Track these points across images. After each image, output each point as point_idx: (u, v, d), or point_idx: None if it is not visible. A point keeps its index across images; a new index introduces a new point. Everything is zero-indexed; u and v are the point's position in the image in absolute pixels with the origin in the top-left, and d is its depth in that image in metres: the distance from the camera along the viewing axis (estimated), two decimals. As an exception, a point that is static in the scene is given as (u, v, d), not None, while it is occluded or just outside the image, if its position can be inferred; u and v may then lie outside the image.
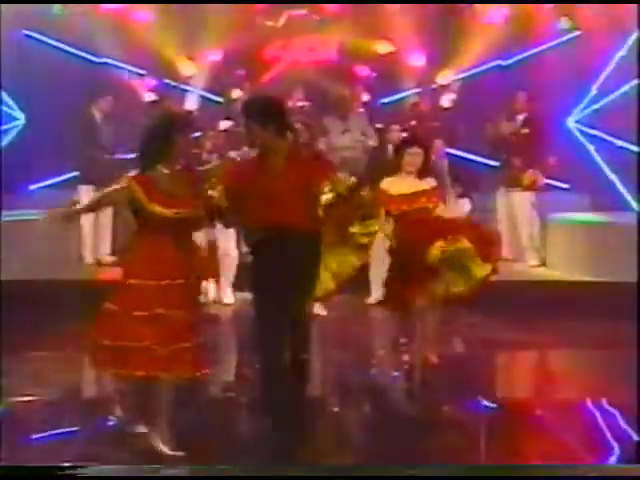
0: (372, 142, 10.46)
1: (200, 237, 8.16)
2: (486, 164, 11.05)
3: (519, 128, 9.90)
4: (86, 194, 10.15)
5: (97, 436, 5.37)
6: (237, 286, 8.94)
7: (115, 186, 4.93)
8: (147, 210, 4.80)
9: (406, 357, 6.82)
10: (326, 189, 5.22)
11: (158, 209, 4.80)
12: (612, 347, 7.24)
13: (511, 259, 10.07)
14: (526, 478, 4.51)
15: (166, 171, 4.87)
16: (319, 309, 8.16)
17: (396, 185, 6.64)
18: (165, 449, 4.81)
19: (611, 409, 5.83)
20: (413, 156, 6.64)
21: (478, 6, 12.11)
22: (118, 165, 9.81)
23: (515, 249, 10.11)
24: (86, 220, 10.15)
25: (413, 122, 10.67)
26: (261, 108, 5.24)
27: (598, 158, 11.39)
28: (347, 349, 7.64)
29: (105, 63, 11.82)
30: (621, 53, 11.10)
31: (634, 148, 10.78)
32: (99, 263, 10.06)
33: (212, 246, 6.88)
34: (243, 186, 5.19)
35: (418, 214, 6.55)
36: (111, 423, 5.71)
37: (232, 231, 8.39)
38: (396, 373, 6.88)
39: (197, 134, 10.51)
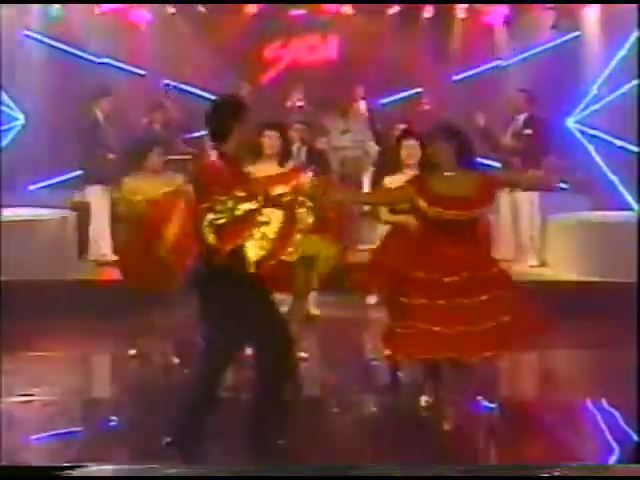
0: (371, 145, 10.45)
1: None
2: (486, 164, 11.04)
3: (521, 129, 9.89)
4: (94, 194, 10.16)
5: (97, 436, 5.38)
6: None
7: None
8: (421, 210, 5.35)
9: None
10: None
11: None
12: (612, 347, 7.24)
13: (511, 259, 10.08)
14: (526, 478, 4.51)
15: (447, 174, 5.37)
16: (312, 309, 8.15)
17: (399, 182, 6.59)
18: None
19: (611, 409, 5.83)
20: (410, 149, 6.58)
21: (478, 6, 12.13)
22: (122, 164, 9.84)
23: (515, 249, 10.12)
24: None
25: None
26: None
27: (598, 158, 11.38)
28: (345, 349, 7.63)
29: (105, 63, 11.83)
30: (621, 53, 11.10)
31: (634, 148, 10.77)
32: (99, 263, 10.06)
33: None
34: None
35: None
36: (112, 423, 5.72)
37: None
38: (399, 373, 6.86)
39: (197, 134, 10.59)
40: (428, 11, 12.15)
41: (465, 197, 5.34)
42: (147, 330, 7.26)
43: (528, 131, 9.82)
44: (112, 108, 10.32)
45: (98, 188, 10.08)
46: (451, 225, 5.32)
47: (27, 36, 11.62)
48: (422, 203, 5.34)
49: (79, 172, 10.49)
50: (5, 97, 11.22)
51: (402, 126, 9.84)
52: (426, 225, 5.45)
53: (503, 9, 12.01)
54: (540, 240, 9.98)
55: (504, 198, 10.14)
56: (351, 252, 7.21)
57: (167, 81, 11.77)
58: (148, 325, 7.27)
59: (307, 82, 11.50)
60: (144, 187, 7.06)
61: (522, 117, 9.95)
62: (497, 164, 10.43)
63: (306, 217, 5.07)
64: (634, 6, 10.28)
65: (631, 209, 10.65)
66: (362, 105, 11.25)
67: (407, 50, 12.04)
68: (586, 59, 11.30)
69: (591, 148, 11.47)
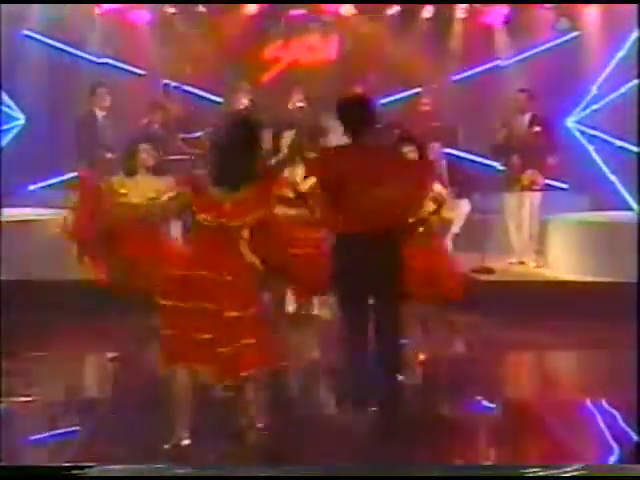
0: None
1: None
2: (486, 164, 11.05)
3: (530, 127, 9.91)
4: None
5: (97, 436, 5.38)
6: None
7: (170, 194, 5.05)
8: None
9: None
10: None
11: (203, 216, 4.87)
12: (612, 347, 7.24)
13: (512, 259, 10.07)
14: (526, 478, 4.51)
15: None
16: (320, 310, 8.14)
17: None
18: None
19: (611, 409, 5.83)
20: (407, 154, 6.59)
21: (478, 6, 12.13)
22: (118, 164, 9.83)
23: (516, 249, 10.12)
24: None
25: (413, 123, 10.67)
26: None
27: (598, 158, 11.39)
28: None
29: (105, 63, 11.83)
30: (621, 53, 11.11)
31: (634, 148, 10.78)
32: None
33: None
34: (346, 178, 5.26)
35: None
36: (112, 423, 5.72)
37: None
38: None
39: (197, 134, 10.59)
40: (428, 11, 12.15)
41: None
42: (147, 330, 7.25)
43: (537, 128, 9.83)
44: (109, 104, 10.30)
45: None
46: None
47: (27, 36, 11.63)
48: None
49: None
50: (5, 97, 11.23)
51: (397, 131, 9.85)
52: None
53: (503, 9, 12.02)
54: (540, 240, 9.98)
55: (507, 198, 10.15)
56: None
57: (167, 81, 11.76)
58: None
59: (307, 82, 11.49)
60: (131, 186, 7.10)
61: (527, 116, 9.97)
62: (497, 164, 10.46)
63: None
64: (634, 6, 10.29)
65: (631, 209, 10.65)
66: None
67: (407, 50, 12.05)
68: (586, 59, 11.30)
69: (591, 148, 11.47)
